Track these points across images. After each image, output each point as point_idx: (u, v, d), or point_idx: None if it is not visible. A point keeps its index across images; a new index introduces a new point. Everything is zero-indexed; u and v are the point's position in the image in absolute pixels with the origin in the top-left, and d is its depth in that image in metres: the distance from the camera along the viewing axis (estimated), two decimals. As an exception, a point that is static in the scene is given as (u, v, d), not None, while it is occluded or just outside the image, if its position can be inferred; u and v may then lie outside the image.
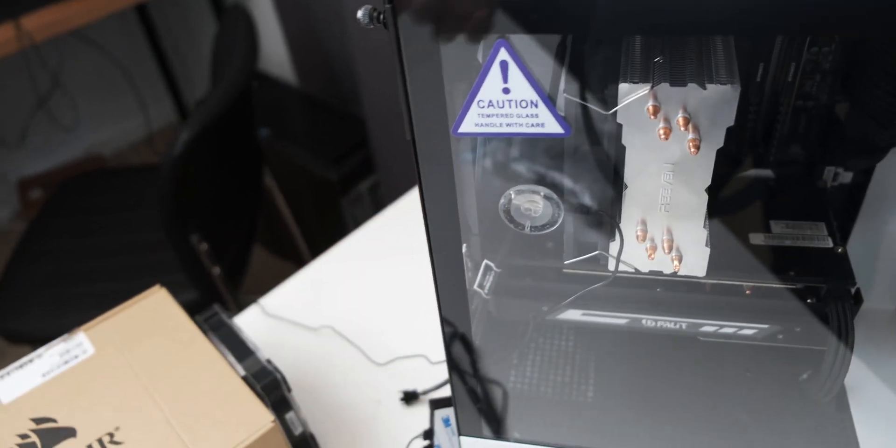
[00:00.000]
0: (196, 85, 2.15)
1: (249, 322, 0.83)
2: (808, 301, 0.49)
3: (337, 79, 1.63)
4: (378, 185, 1.55)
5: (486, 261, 0.52)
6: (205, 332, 0.66)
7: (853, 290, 0.48)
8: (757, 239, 0.51)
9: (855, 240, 0.56)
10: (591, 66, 0.38)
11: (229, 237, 1.35)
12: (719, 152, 0.39)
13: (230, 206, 1.36)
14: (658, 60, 0.37)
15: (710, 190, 0.40)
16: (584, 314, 0.52)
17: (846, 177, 0.54)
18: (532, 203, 0.42)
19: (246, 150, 1.39)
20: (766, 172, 0.55)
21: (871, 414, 0.54)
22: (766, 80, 0.48)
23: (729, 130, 0.38)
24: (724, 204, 0.52)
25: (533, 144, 0.43)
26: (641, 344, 0.54)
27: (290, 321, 0.83)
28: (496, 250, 0.51)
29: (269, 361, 0.64)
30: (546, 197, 0.41)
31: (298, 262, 1.47)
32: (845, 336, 0.47)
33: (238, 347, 0.65)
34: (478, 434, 0.54)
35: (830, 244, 0.50)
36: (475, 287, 0.52)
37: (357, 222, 1.12)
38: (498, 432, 0.54)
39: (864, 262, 0.55)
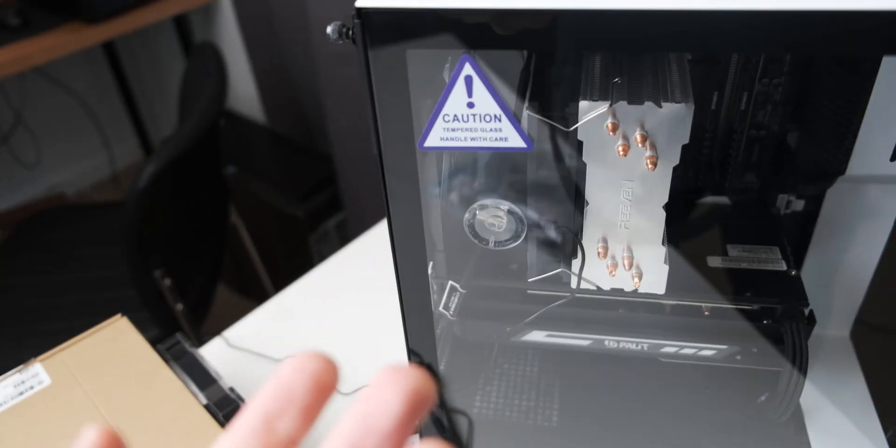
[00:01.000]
0: (163, 124, 2.15)
1: (213, 353, 0.82)
2: (764, 322, 0.50)
3: (305, 116, 1.65)
4: (345, 222, 1.56)
5: (451, 282, 0.52)
6: (166, 361, 0.65)
7: (806, 311, 0.49)
8: (714, 261, 0.52)
9: (808, 266, 0.58)
10: (552, 85, 0.40)
11: (193, 273, 1.34)
12: (677, 178, 0.40)
13: (194, 243, 1.35)
14: (616, 81, 0.39)
15: (667, 207, 0.41)
16: (548, 335, 0.53)
17: (798, 204, 0.56)
18: (496, 218, 0.42)
19: (212, 187, 1.39)
20: (723, 199, 0.57)
21: (828, 437, 0.55)
22: (720, 108, 0.50)
23: (685, 153, 0.39)
24: (682, 228, 0.54)
25: (497, 161, 0.44)
26: (604, 366, 0.55)
27: (255, 353, 0.82)
28: (461, 270, 0.51)
29: (231, 390, 0.63)
30: (510, 211, 0.42)
31: (263, 301, 1.45)
32: (799, 355, 0.48)
33: (200, 376, 0.64)
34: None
35: (785, 267, 0.51)
36: (440, 308, 0.52)
37: (324, 259, 1.12)
38: (464, 455, 0.54)
39: (818, 289, 0.57)
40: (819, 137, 0.52)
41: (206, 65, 1.26)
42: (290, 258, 1.61)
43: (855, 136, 0.49)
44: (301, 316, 0.87)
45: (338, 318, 0.85)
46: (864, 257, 0.57)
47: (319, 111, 1.52)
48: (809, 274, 0.55)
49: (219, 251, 1.45)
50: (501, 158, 0.44)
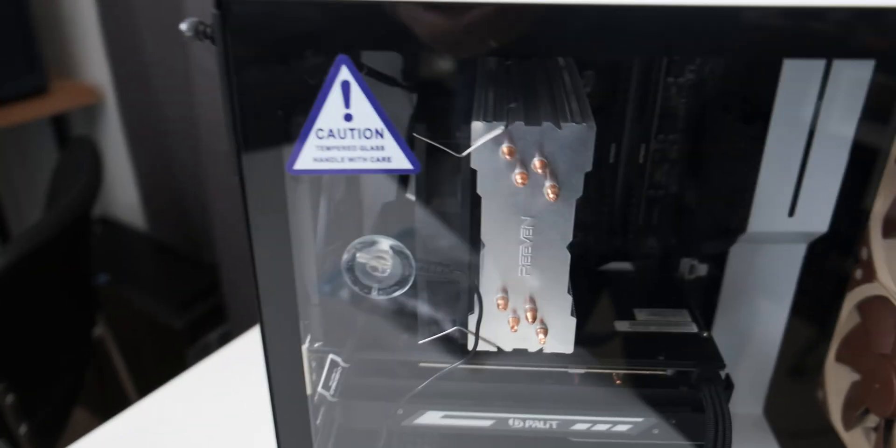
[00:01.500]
0: (28, 223, 2.00)
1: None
2: (680, 388, 0.45)
3: (189, 222, 1.57)
4: (229, 335, 1.44)
5: (331, 355, 0.45)
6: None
7: (723, 374, 0.45)
8: (622, 326, 0.48)
9: (716, 335, 0.55)
10: (440, 108, 0.36)
11: (45, 390, 1.18)
12: (577, 244, 0.37)
13: (51, 355, 1.20)
14: (512, 106, 0.35)
15: (571, 248, 0.37)
16: (444, 416, 0.46)
17: (701, 268, 0.54)
18: (379, 260, 0.37)
19: (77, 295, 1.27)
20: (625, 265, 0.54)
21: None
22: (619, 162, 0.48)
23: (585, 217, 0.36)
24: (586, 295, 0.50)
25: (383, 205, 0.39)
26: (509, 451, 0.48)
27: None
28: (341, 339, 0.45)
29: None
30: (395, 251, 0.37)
31: (130, 421, 1.29)
32: (721, 422, 0.43)
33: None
34: None
35: (696, 329, 0.48)
36: (320, 389, 0.45)
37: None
38: None
39: (728, 360, 0.53)
40: (718, 195, 0.50)
41: (80, 158, 1.18)
42: (166, 375, 1.46)
43: (753, 192, 0.48)
44: (171, 424, 0.76)
45: (210, 424, 0.75)
46: (772, 324, 0.54)
47: (205, 216, 1.45)
48: (717, 344, 0.51)
49: (80, 367, 1.30)
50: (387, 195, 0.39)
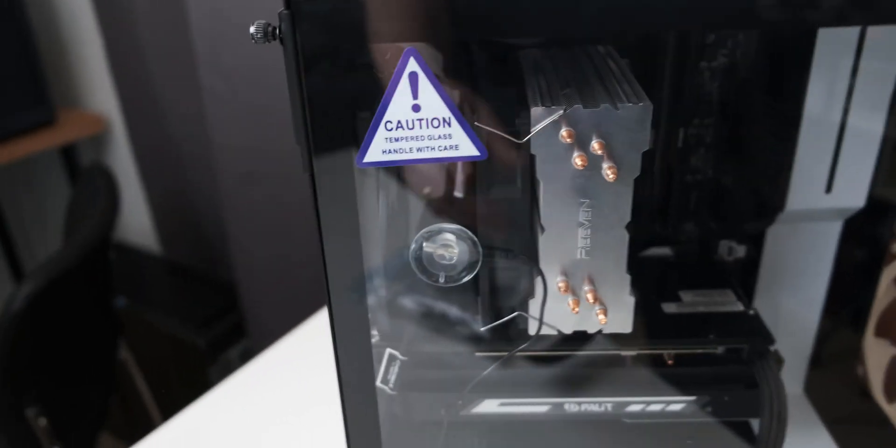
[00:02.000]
0: (40, 256, 2.00)
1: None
2: (732, 365, 0.46)
3: (204, 243, 1.57)
4: (250, 351, 1.45)
5: (387, 352, 0.46)
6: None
7: (773, 350, 0.46)
8: (670, 308, 0.49)
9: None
10: (499, 98, 0.37)
11: (74, 414, 1.18)
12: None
13: (78, 380, 1.21)
14: (566, 92, 0.37)
15: (629, 228, 0.38)
16: (501, 404, 0.47)
17: (740, 250, 0.54)
18: (446, 248, 0.38)
19: (99, 320, 1.27)
20: (665, 250, 0.55)
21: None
22: (656, 147, 0.49)
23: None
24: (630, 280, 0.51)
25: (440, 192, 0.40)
26: (565, 437, 0.49)
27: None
28: (399, 332, 0.46)
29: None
30: (461, 237, 0.38)
31: None
32: (776, 396, 0.44)
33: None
34: None
35: (741, 308, 0.49)
36: (379, 383, 0.46)
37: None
38: None
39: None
40: (756, 175, 0.51)
41: (94, 184, 1.19)
42: (189, 395, 1.46)
43: (790, 170, 0.49)
44: (197, 445, 0.76)
45: (233, 442, 0.75)
46: (811, 302, 0.55)
47: (221, 236, 1.46)
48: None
49: (106, 391, 1.30)
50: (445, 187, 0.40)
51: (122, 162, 1.65)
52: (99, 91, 1.62)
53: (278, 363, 0.86)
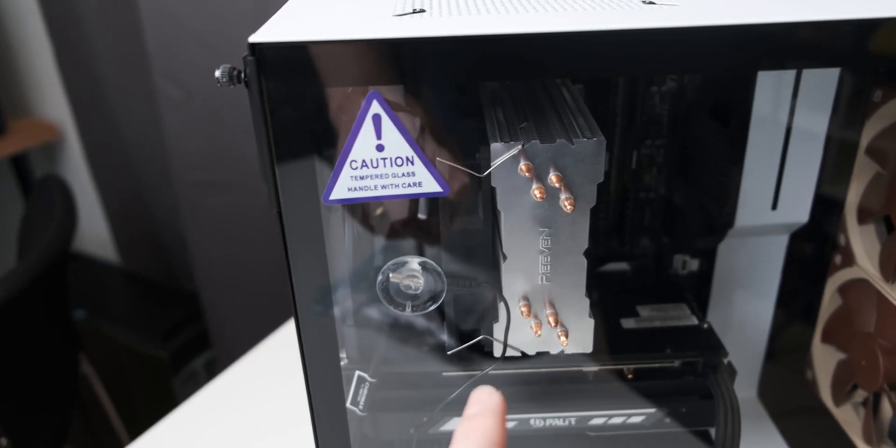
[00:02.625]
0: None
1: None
2: (688, 378, 0.48)
3: (164, 252, 1.56)
4: (214, 361, 1.44)
5: (358, 371, 0.47)
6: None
7: (726, 361, 0.48)
8: (628, 323, 0.51)
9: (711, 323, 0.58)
10: (460, 131, 0.39)
11: (36, 432, 1.17)
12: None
13: (38, 397, 1.19)
14: (523, 126, 0.38)
15: (587, 254, 0.40)
16: (469, 421, 0.48)
17: (693, 264, 0.57)
18: (411, 278, 0.39)
19: (59, 335, 1.25)
20: (622, 265, 0.57)
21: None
22: (611, 169, 0.51)
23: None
24: (590, 296, 0.52)
25: (403, 225, 0.42)
26: (532, 450, 0.51)
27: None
28: (368, 356, 0.47)
29: None
30: (425, 268, 0.39)
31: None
32: (730, 406, 0.46)
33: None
34: None
35: (696, 322, 0.51)
36: (349, 404, 0.47)
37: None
38: None
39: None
40: (706, 193, 0.53)
41: (49, 196, 1.17)
42: (153, 407, 1.45)
43: (738, 189, 0.51)
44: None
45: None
46: (761, 311, 0.57)
47: (181, 245, 1.45)
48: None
49: (68, 406, 1.28)
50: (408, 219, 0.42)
51: (76, 170, 1.62)
52: (50, 98, 1.59)
53: (245, 378, 0.86)
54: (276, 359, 0.88)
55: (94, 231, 1.66)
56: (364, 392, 0.47)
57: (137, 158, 1.46)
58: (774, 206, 0.52)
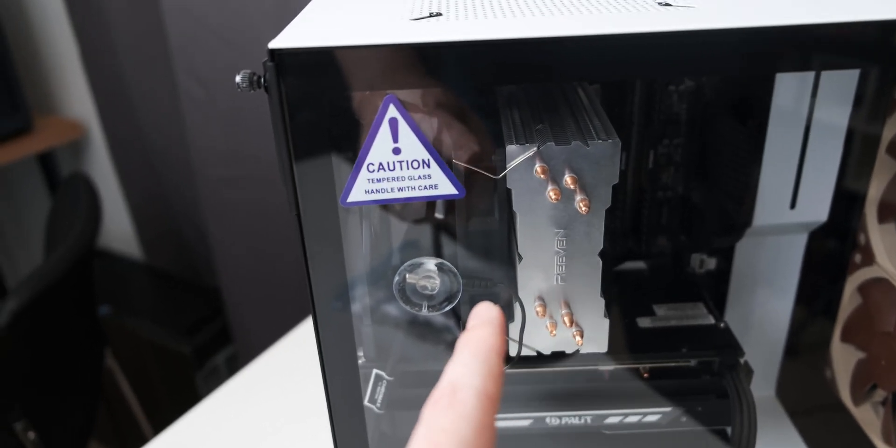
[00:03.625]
0: (22, 268, 2.00)
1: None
2: (704, 377, 0.48)
3: (187, 248, 1.58)
4: (236, 356, 1.46)
5: (375, 370, 0.48)
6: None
7: (743, 361, 0.48)
8: (644, 322, 0.51)
9: (728, 322, 0.58)
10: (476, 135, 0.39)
11: (62, 427, 1.19)
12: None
13: (65, 391, 1.21)
14: (539, 128, 0.38)
15: (602, 255, 0.40)
16: (486, 419, 0.48)
17: (711, 263, 0.57)
18: (427, 279, 0.40)
19: (85, 330, 1.28)
20: (639, 264, 0.57)
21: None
22: (628, 168, 0.51)
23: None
24: (607, 295, 0.53)
25: (419, 224, 0.42)
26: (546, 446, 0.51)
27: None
28: (385, 354, 0.47)
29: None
30: (442, 268, 0.40)
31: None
32: (746, 405, 0.46)
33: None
34: None
35: (713, 321, 0.51)
36: (366, 402, 0.47)
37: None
38: None
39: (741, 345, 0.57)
40: (724, 193, 0.53)
41: (75, 194, 1.19)
42: (176, 402, 1.47)
43: (756, 188, 0.51)
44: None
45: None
46: (780, 310, 0.57)
47: (203, 241, 1.46)
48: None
49: (93, 401, 1.30)
50: (424, 220, 0.42)
51: (102, 168, 1.64)
52: (75, 97, 1.61)
53: (267, 373, 0.87)
54: (297, 354, 0.89)
55: (118, 228, 1.69)
56: (382, 390, 0.48)
57: (160, 156, 1.48)
58: (793, 205, 0.51)
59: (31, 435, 1.04)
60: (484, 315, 0.31)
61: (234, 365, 1.46)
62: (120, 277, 1.60)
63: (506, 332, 0.31)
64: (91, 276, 1.21)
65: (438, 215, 0.44)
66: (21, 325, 0.98)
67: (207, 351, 1.42)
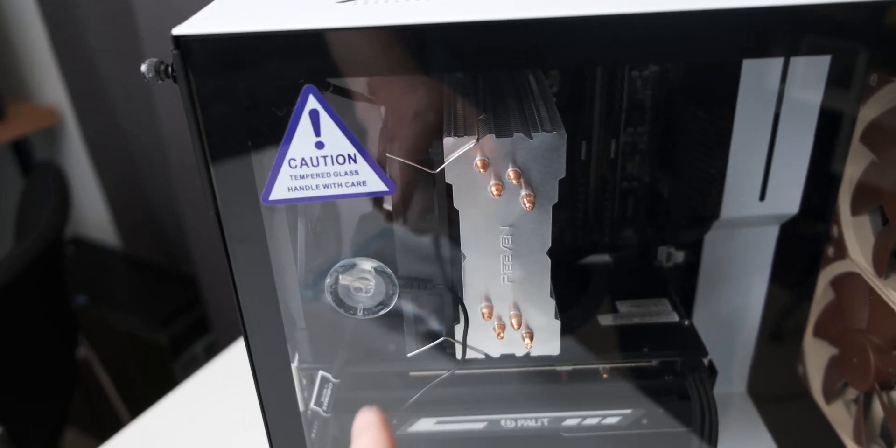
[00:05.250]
0: None
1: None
2: (666, 378, 0.46)
3: (164, 236, 1.55)
4: (215, 344, 1.44)
5: (321, 371, 0.46)
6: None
7: (706, 361, 0.46)
8: (606, 320, 0.49)
9: (696, 320, 0.56)
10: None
11: (34, 419, 1.17)
12: (555, 240, 0.37)
13: (36, 383, 1.19)
14: (482, 117, 0.36)
15: (550, 253, 0.38)
16: (438, 422, 0.46)
17: (678, 255, 0.54)
18: (362, 280, 0.37)
19: (57, 320, 1.25)
20: (604, 257, 0.55)
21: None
22: (591, 158, 0.49)
23: (561, 213, 0.37)
24: (567, 291, 0.50)
25: (360, 219, 0.39)
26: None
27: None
28: (330, 355, 0.45)
29: None
30: (377, 271, 0.37)
31: (123, 441, 1.28)
32: (707, 408, 0.44)
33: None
34: None
35: (677, 318, 0.49)
36: (312, 405, 0.45)
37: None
38: None
39: (710, 343, 0.54)
40: (690, 184, 0.51)
41: (46, 184, 1.16)
42: (154, 391, 1.45)
43: (723, 179, 0.48)
44: (160, 444, 0.76)
45: (205, 440, 0.75)
46: (751, 305, 0.55)
47: (179, 229, 1.44)
48: (699, 328, 0.52)
49: (68, 391, 1.28)
50: (365, 215, 0.39)
51: (77, 154, 1.61)
52: (48, 83, 1.57)
53: (244, 359, 0.86)
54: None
55: (95, 216, 1.66)
56: (328, 392, 0.46)
57: (134, 143, 1.45)
58: (762, 197, 0.49)
59: (1, 430, 1.02)
60: (365, 420, 0.33)
61: (214, 354, 1.44)
62: (97, 266, 1.58)
63: (388, 428, 0.33)
64: (61, 266, 1.18)
65: (387, 207, 0.42)
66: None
67: (185, 340, 1.40)
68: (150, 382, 1.45)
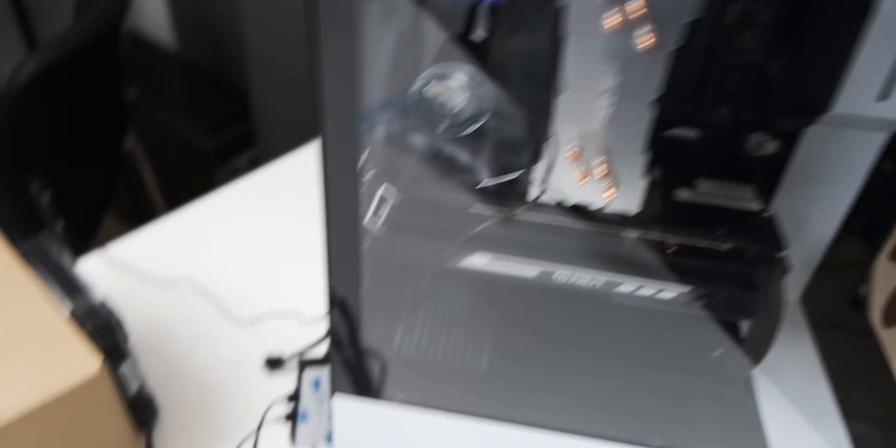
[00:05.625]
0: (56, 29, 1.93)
1: (87, 270, 0.71)
2: (736, 265, 0.44)
3: (221, 45, 1.51)
4: (257, 160, 1.44)
5: (382, 188, 0.44)
6: (28, 261, 0.54)
7: (782, 256, 0.44)
8: (682, 195, 0.46)
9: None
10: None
11: (78, 192, 1.20)
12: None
13: (83, 160, 1.21)
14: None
15: (655, 104, 0.34)
16: (493, 259, 0.45)
17: (771, 146, 0.51)
18: (454, 91, 0.34)
19: (108, 106, 1.25)
20: (691, 133, 0.51)
21: (775, 400, 0.50)
22: (702, 18, 0.44)
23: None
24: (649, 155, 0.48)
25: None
26: (548, 305, 0.48)
27: (140, 272, 0.72)
28: (397, 172, 0.43)
29: (103, 304, 0.53)
30: (475, 84, 0.34)
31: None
32: (775, 304, 0.42)
33: (67, 283, 0.54)
34: (353, 392, 0.46)
35: (758, 208, 0.46)
36: (368, 217, 0.44)
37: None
38: (377, 393, 0.46)
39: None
40: (808, 67, 0.46)
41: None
42: (193, 192, 1.48)
43: (846, 68, 0.44)
44: (199, 236, 0.78)
45: (241, 241, 0.77)
46: (832, 211, 0.52)
47: (238, 40, 1.40)
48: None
49: (112, 174, 1.31)
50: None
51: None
52: None
53: (284, 175, 0.87)
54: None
55: (153, 13, 1.61)
56: (386, 210, 0.45)
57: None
58: (884, 97, 0.45)
59: (47, 196, 1.05)
60: None
61: (255, 168, 1.45)
62: (152, 63, 1.55)
63: None
64: (117, 54, 1.16)
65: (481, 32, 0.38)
66: (42, 86, 0.95)
67: (229, 151, 1.41)
68: (190, 182, 1.47)
